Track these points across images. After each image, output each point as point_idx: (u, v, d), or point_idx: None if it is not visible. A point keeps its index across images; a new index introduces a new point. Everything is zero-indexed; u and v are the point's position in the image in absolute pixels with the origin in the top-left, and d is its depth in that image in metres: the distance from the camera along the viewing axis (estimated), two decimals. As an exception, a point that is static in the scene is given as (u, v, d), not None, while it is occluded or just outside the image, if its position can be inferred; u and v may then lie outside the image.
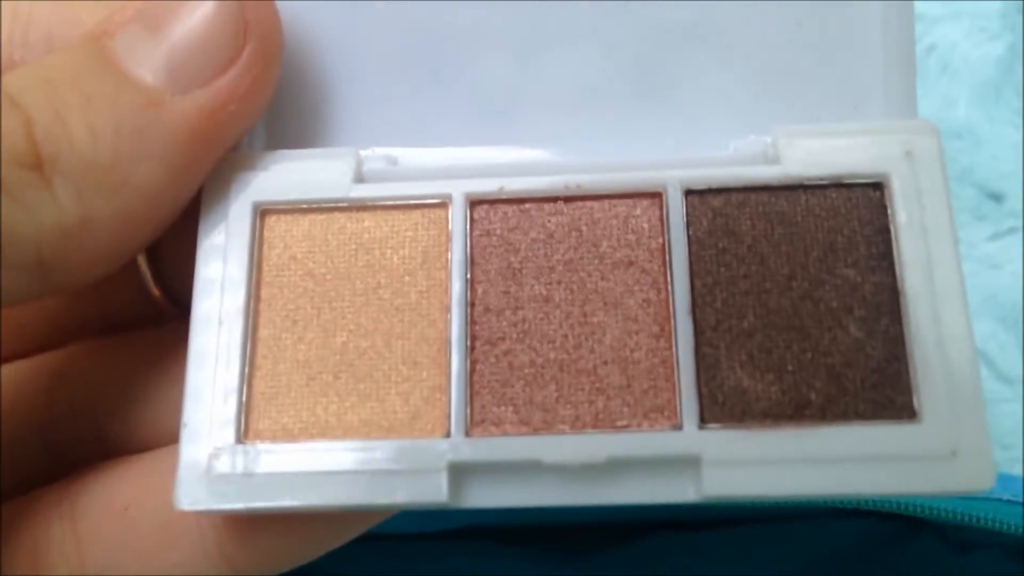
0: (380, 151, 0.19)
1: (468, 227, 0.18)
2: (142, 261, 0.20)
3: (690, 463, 0.17)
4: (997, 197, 0.39)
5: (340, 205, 0.18)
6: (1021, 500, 0.26)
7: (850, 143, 0.18)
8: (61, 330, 0.21)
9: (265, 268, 0.18)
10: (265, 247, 0.18)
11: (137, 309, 0.21)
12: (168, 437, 0.18)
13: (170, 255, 0.20)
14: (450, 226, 0.18)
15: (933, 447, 0.17)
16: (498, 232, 0.18)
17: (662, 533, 0.28)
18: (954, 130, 0.39)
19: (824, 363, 0.17)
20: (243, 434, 0.17)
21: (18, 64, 0.18)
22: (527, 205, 0.18)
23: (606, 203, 0.18)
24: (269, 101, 0.17)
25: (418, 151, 0.19)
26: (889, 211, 0.18)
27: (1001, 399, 0.35)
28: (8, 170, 0.15)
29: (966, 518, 0.27)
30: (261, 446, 0.17)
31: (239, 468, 0.17)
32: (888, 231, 0.18)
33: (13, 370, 0.20)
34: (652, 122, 0.19)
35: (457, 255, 0.18)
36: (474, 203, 0.18)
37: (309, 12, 0.19)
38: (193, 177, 0.17)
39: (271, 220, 0.18)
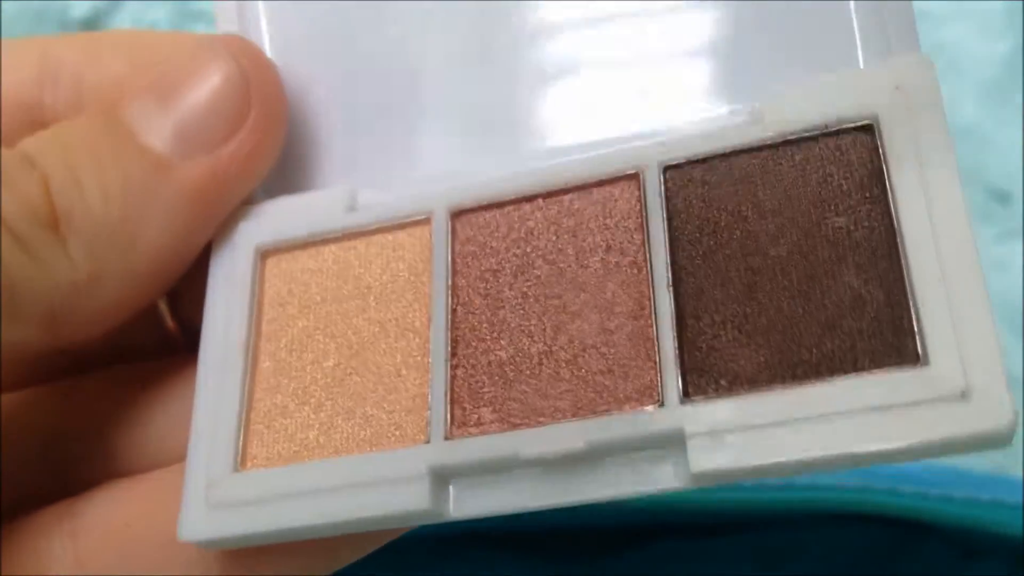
0: (369, 188, 0.19)
1: (449, 238, 0.18)
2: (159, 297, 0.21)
3: (674, 441, 0.16)
4: (1003, 198, 0.39)
5: (333, 236, 0.19)
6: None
7: (836, 89, 0.17)
8: (75, 360, 0.21)
9: (266, 306, 0.19)
10: (266, 286, 0.19)
11: (150, 340, 0.21)
12: (174, 461, 0.18)
13: (186, 289, 0.20)
14: (432, 238, 0.18)
15: (942, 389, 0.15)
16: (479, 239, 0.18)
17: (668, 538, 0.28)
18: (960, 130, 0.39)
19: (817, 318, 0.16)
20: (240, 463, 0.18)
21: (48, 104, 0.19)
22: (507, 208, 0.18)
23: (584, 192, 0.18)
24: (272, 164, 0.18)
25: (404, 176, 0.20)
26: (881, 151, 0.17)
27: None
28: (27, 227, 0.16)
29: (971, 523, 0.26)
30: (256, 473, 0.18)
31: (235, 497, 0.17)
32: (882, 173, 0.16)
33: (24, 395, 0.20)
34: (628, 103, 0.19)
35: (439, 266, 0.18)
36: (455, 214, 0.19)
37: (297, 53, 0.20)
38: (198, 236, 0.18)
39: (271, 261, 0.19)
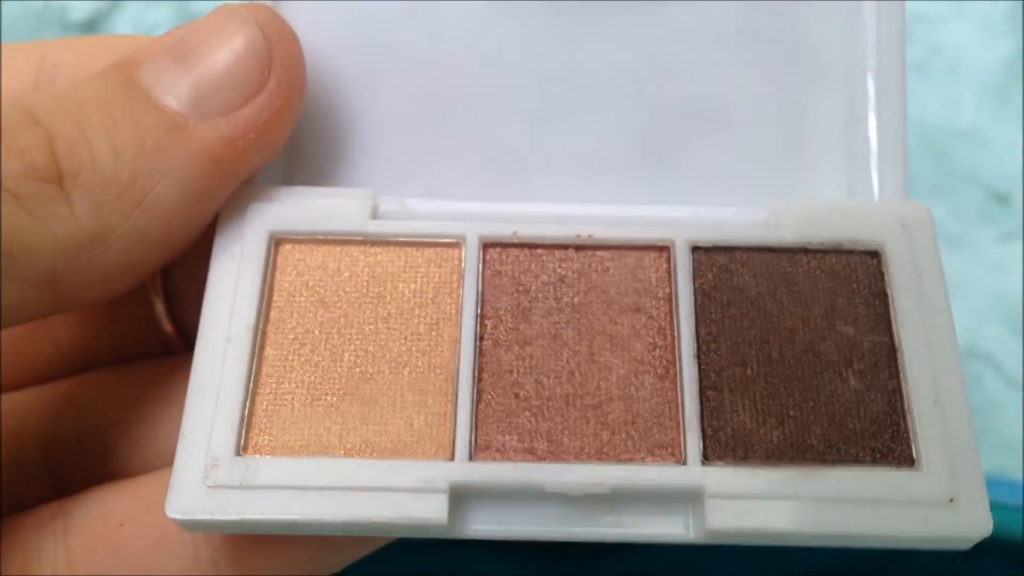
0: (395, 197, 0.19)
1: (480, 266, 0.19)
2: (156, 297, 0.21)
3: (693, 497, 0.17)
4: (1003, 199, 0.39)
5: (355, 239, 0.19)
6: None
7: (848, 215, 0.20)
8: (71, 361, 0.21)
9: (276, 292, 0.19)
10: (278, 273, 0.19)
11: (147, 342, 0.21)
12: (169, 463, 0.18)
13: (183, 291, 0.20)
14: (463, 264, 0.19)
15: (932, 493, 0.17)
16: (509, 273, 0.19)
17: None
18: (960, 131, 0.39)
19: (825, 411, 0.18)
20: (242, 447, 0.17)
21: None
22: (539, 251, 0.19)
23: (616, 253, 0.19)
24: (288, 136, 0.18)
25: (433, 199, 0.20)
26: (886, 277, 0.19)
27: (1007, 403, 0.35)
28: (24, 183, 0.15)
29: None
30: (260, 459, 0.17)
31: (235, 480, 0.17)
32: (885, 295, 0.19)
33: (21, 396, 0.20)
34: (659, 188, 0.20)
35: (469, 291, 0.19)
36: (487, 245, 0.19)
37: (336, 57, 0.20)
38: (209, 202, 0.17)
39: (285, 248, 0.19)
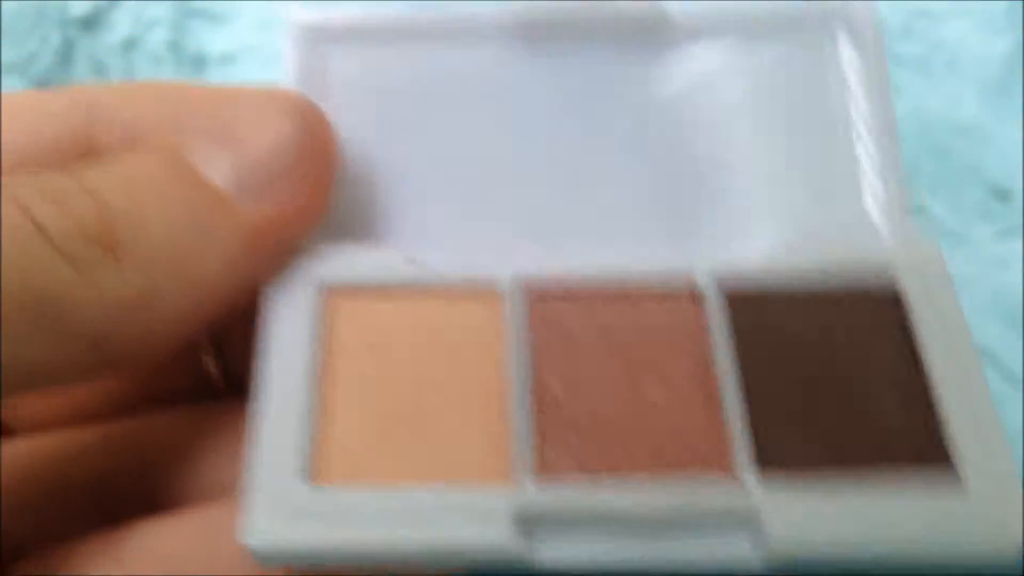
0: (435, 251, 0.20)
1: (527, 309, 0.20)
2: (205, 352, 0.22)
3: (752, 518, 0.17)
4: (1004, 195, 0.39)
5: (401, 288, 0.20)
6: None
7: (871, 253, 0.21)
8: (115, 404, 0.22)
9: (330, 341, 0.19)
10: (329, 322, 0.19)
11: (192, 384, 0.22)
12: (216, 499, 0.19)
13: (227, 335, 0.21)
14: (507, 310, 0.20)
15: (980, 515, 0.18)
16: (553, 317, 0.20)
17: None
18: (961, 127, 0.39)
19: (868, 442, 0.19)
20: (311, 477, 0.18)
21: (104, 144, 0.20)
22: (579, 300, 0.20)
23: (653, 297, 0.20)
24: (323, 215, 0.19)
25: (473, 252, 0.20)
26: (909, 319, 0.20)
27: (1007, 399, 0.35)
28: (76, 245, 0.16)
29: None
30: (328, 488, 0.18)
31: (304, 508, 0.17)
32: (909, 335, 0.20)
33: (68, 436, 0.21)
34: (680, 239, 0.21)
35: (513, 332, 0.19)
36: (532, 290, 0.20)
37: (365, 127, 0.21)
38: (251, 274, 0.18)
39: (335, 300, 0.20)
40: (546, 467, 0.18)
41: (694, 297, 0.20)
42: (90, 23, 0.43)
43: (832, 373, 0.19)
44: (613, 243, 0.21)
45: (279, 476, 0.17)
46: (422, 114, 0.20)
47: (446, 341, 0.19)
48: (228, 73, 0.44)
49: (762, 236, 0.21)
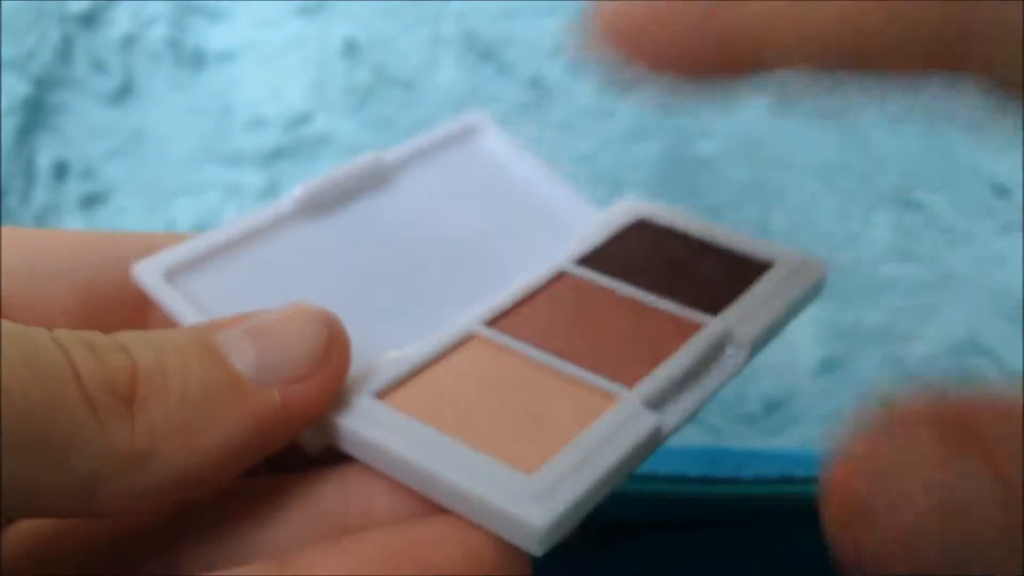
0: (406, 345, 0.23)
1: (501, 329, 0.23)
2: None
3: (729, 334, 0.23)
4: (1003, 192, 0.39)
5: (411, 372, 0.22)
6: None
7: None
8: None
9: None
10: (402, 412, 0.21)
11: None
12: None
13: None
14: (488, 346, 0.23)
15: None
16: (522, 319, 0.24)
17: (660, 532, 0.28)
18: (960, 124, 0.39)
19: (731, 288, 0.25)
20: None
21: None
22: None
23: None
24: (326, 410, 0.20)
25: (431, 334, 0.23)
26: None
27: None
28: (102, 394, 0.18)
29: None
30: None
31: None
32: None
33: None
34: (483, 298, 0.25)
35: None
36: (490, 322, 0.23)
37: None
38: (248, 455, 0.19)
39: (389, 400, 0.21)
40: (626, 377, 0.22)
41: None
42: (89, 20, 0.43)
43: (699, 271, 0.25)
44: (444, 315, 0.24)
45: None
46: (279, 289, 0.24)
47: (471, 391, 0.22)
48: (226, 70, 0.44)
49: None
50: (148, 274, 0.22)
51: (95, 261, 0.23)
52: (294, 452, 0.20)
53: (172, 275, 0.22)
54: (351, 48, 0.44)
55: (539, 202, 0.27)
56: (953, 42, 0.16)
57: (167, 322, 0.22)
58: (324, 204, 0.25)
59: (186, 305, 0.22)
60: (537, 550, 0.18)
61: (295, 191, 0.24)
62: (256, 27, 0.44)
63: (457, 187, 0.27)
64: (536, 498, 0.18)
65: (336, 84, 0.43)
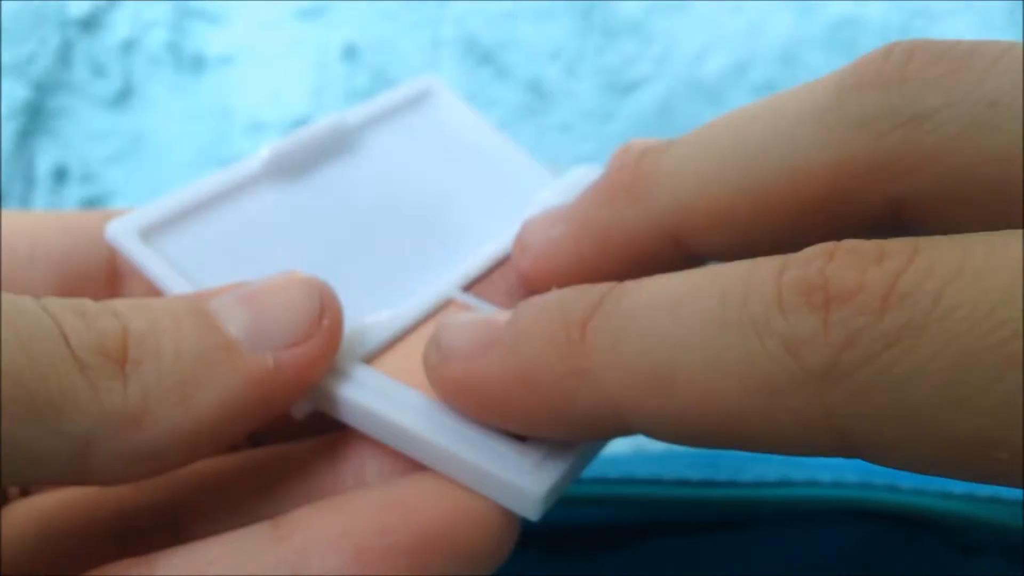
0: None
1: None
2: None
3: None
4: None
5: (400, 333, 0.22)
6: (1022, 501, 0.26)
7: None
8: None
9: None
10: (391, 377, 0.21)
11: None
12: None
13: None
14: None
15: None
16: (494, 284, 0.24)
17: (661, 536, 0.28)
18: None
19: None
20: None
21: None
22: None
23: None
24: (316, 385, 0.20)
25: (407, 297, 0.23)
26: None
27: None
28: (93, 357, 0.18)
29: (969, 519, 0.26)
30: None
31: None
32: None
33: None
34: (449, 261, 0.25)
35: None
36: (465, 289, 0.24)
37: (222, 276, 0.23)
38: (243, 420, 0.19)
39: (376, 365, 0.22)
40: None
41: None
42: (89, 24, 0.43)
43: None
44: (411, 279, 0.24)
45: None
46: (253, 252, 0.24)
47: None
48: (226, 73, 0.44)
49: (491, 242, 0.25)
50: (123, 235, 0.22)
51: (69, 241, 0.23)
52: (274, 428, 0.21)
53: (146, 235, 0.22)
54: (351, 52, 0.44)
55: (496, 165, 0.27)
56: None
57: (140, 294, 0.22)
58: (293, 167, 0.25)
59: (164, 265, 0.22)
60: (534, 516, 0.18)
61: (262, 152, 0.24)
62: (256, 31, 0.44)
63: (418, 150, 0.27)
64: (533, 466, 0.18)
65: (336, 88, 0.43)
